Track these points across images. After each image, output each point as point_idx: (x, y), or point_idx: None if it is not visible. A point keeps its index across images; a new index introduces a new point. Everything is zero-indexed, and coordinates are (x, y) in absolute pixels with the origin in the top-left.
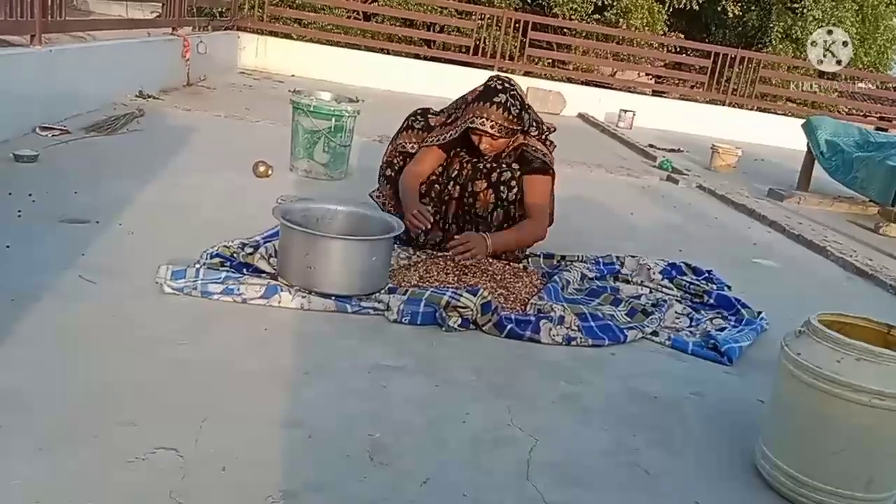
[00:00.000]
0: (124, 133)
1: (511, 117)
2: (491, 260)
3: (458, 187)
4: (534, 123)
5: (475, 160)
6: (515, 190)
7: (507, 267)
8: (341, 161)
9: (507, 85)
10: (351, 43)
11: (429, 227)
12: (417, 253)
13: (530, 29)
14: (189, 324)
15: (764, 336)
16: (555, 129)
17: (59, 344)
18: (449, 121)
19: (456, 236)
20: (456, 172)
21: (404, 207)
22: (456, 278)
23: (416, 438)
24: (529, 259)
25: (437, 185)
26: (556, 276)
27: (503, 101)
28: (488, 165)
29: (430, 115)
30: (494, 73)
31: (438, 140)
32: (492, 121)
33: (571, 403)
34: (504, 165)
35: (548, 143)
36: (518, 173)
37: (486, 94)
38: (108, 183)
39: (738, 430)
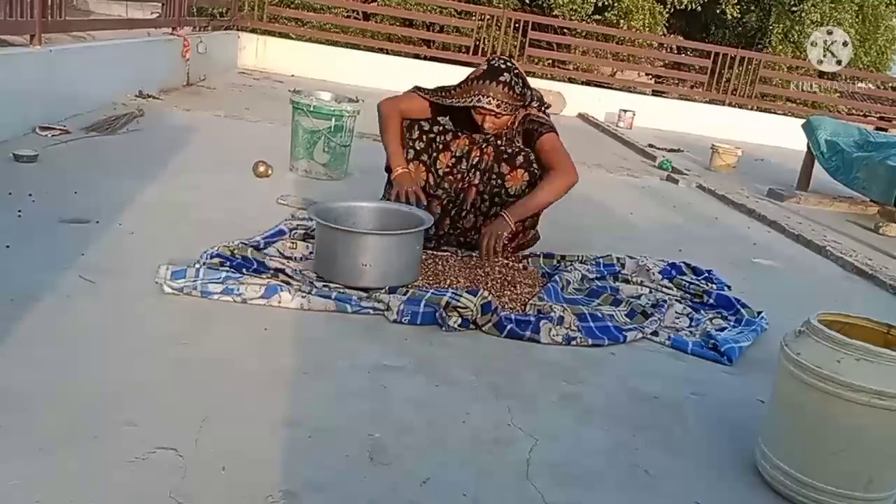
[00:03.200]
0: (124, 133)
1: (515, 94)
2: (490, 262)
3: (478, 173)
4: (534, 98)
5: (498, 144)
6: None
7: (508, 267)
8: (341, 161)
9: (509, 64)
10: (350, 43)
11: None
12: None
13: (530, 29)
14: (189, 324)
15: (764, 336)
16: (549, 106)
17: (59, 344)
18: (446, 87)
19: (478, 238)
20: (477, 159)
21: (391, 161)
22: (456, 279)
23: (416, 438)
24: (529, 259)
25: (453, 173)
26: (556, 276)
27: (508, 80)
28: (509, 150)
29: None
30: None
31: (435, 97)
32: (497, 99)
33: (571, 403)
34: (517, 147)
35: (548, 115)
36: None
37: (490, 73)
38: (108, 183)
39: (738, 430)
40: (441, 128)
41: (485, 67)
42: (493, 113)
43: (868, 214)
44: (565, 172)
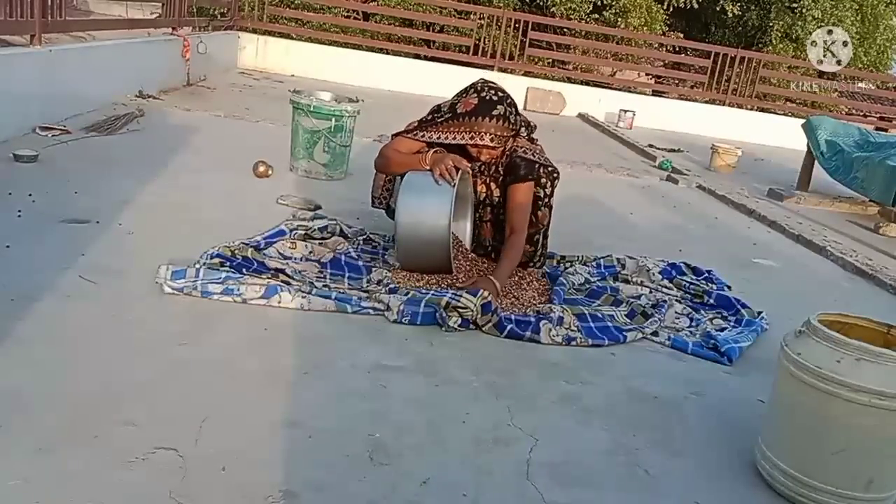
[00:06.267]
0: (124, 133)
1: (509, 125)
2: (491, 263)
3: (489, 209)
4: (523, 124)
5: (497, 178)
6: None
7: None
8: (341, 161)
9: (501, 94)
10: (350, 43)
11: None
12: None
13: (530, 29)
14: (189, 324)
15: (764, 336)
16: (535, 127)
17: (59, 344)
18: (430, 120)
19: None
20: (485, 195)
21: (432, 162)
22: (461, 283)
23: (416, 438)
24: None
25: None
26: (561, 279)
27: (502, 113)
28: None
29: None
30: (480, 78)
31: (423, 133)
32: (492, 134)
33: (571, 403)
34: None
35: (535, 141)
36: (550, 189)
37: (484, 107)
38: (108, 183)
39: (738, 430)
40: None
41: (475, 101)
42: (489, 147)
43: (868, 214)
44: (522, 240)
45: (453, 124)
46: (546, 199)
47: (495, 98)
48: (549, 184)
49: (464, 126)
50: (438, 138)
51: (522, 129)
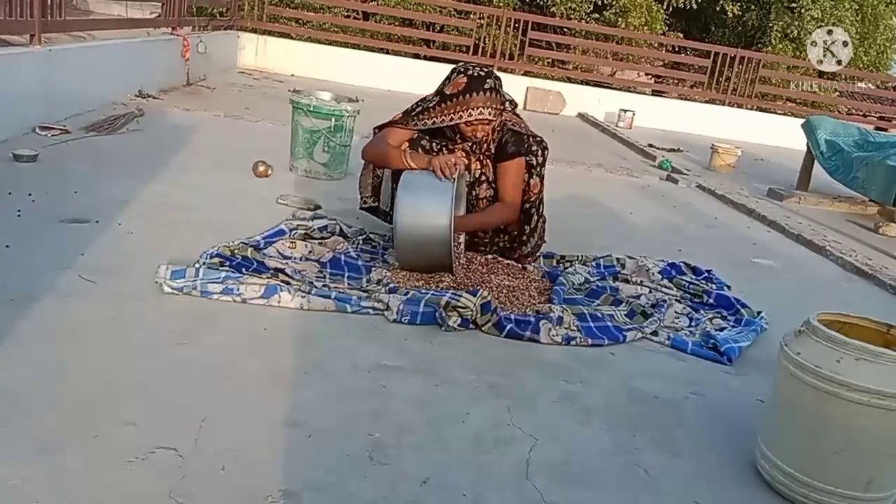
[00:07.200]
0: (124, 133)
1: (500, 96)
2: (491, 262)
3: (484, 185)
4: (506, 100)
5: (489, 155)
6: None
7: (510, 270)
8: (341, 161)
9: (486, 70)
10: (350, 42)
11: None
12: None
13: (530, 28)
14: (189, 324)
15: (764, 336)
16: (517, 104)
17: (59, 344)
18: (419, 110)
19: None
20: (479, 172)
21: (420, 161)
22: (460, 283)
23: (416, 438)
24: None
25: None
26: (560, 279)
27: (493, 86)
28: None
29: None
30: (458, 63)
31: (415, 123)
32: (488, 107)
33: (571, 403)
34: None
35: (518, 115)
36: (541, 158)
37: (474, 84)
38: (108, 183)
39: (738, 430)
40: (438, 143)
41: (465, 80)
42: (486, 121)
43: (868, 214)
44: (508, 209)
45: (447, 106)
46: (538, 168)
47: (483, 73)
48: (539, 152)
49: (458, 105)
50: (434, 123)
51: (507, 103)
